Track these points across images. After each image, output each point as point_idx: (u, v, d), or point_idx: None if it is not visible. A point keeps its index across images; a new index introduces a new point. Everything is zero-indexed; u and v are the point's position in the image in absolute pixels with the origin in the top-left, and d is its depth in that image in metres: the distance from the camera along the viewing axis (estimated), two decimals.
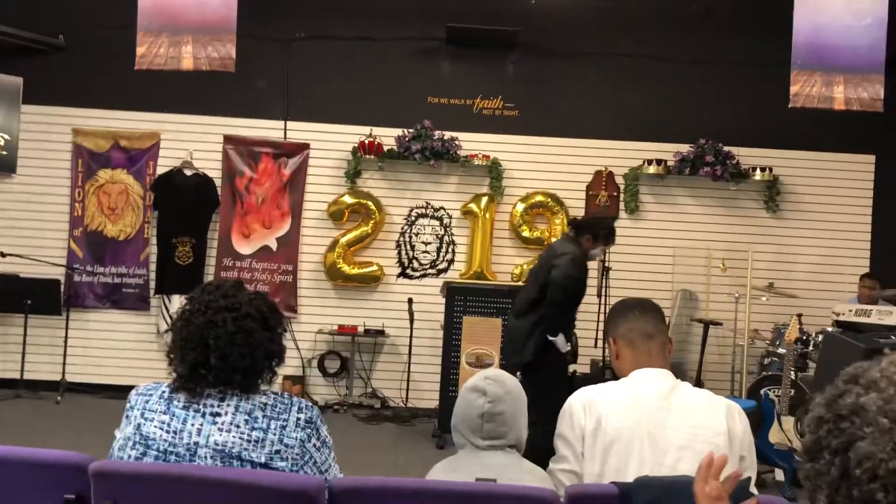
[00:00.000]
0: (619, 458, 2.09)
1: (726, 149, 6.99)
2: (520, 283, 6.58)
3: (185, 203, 6.97)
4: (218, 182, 7.06)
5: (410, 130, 6.96)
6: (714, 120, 7.09)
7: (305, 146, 7.12)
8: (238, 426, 1.88)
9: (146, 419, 1.91)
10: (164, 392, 1.95)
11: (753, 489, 2.06)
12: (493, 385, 2.13)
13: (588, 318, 6.08)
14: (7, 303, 6.70)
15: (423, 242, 7.16)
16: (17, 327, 6.76)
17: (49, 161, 7.06)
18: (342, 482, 1.87)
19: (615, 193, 7.14)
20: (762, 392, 5.31)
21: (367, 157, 6.99)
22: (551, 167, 7.13)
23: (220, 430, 1.88)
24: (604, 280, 6.12)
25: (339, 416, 6.59)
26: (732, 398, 3.83)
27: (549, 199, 7.05)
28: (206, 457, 1.86)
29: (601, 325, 5.87)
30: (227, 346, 1.89)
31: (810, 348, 5.70)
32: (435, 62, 7.26)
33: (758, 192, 7.15)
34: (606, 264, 6.15)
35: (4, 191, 7.05)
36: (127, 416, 1.96)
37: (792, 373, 4.95)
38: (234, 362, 1.89)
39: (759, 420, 4.94)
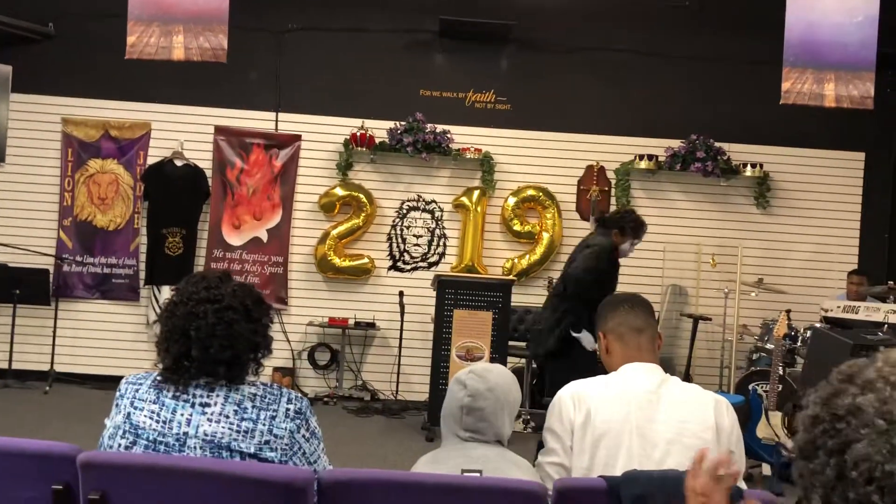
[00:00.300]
0: (607, 451, 2.10)
1: (717, 145, 7.01)
2: (510, 277, 6.60)
3: (175, 194, 6.94)
4: (209, 173, 7.03)
5: (402, 123, 6.95)
6: (706, 116, 7.11)
7: (297, 138, 7.10)
8: (227, 416, 1.88)
9: (136, 408, 1.91)
10: (154, 381, 1.94)
11: (742, 483, 2.08)
12: (474, 380, 2.13)
13: None
14: None
15: (414, 235, 7.16)
16: (6, 317, 6.72)
17: (38, 150, 7.02)
18: (331, 474, 1.87)
19: (606, 188, 7.16)
20: (750, 387, 5.34)
21: (359, 149, 6.98)
22: (543, 161, 7.14)
23: (210, 420, 1.88)
24: None
25: (329, 409, 6.59)
26: (721, 393, 3.85)
27: (541, 194, 7.06)
28: (195, 447, 1.86)
29: None
30: (207, 337, 1.89)
31: (798, 344, 5.74)
32: (428, 55, 7.24)
33: (748, 189, 7.17)
34: None
35: None
36: (117, 405, 1.95)
37: (780, 368, 4.98)
38: (216, 354, 1.89)
39: (747, 415, 4.97)
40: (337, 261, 6.98)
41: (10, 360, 6.63)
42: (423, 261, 7.16)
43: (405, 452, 5.30)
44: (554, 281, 6.91)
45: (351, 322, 6.90)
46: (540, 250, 7.04)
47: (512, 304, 6.03)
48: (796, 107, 5.95)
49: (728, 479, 1.52)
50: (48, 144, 7.02)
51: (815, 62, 5.69)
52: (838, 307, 5.21)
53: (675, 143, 7.06)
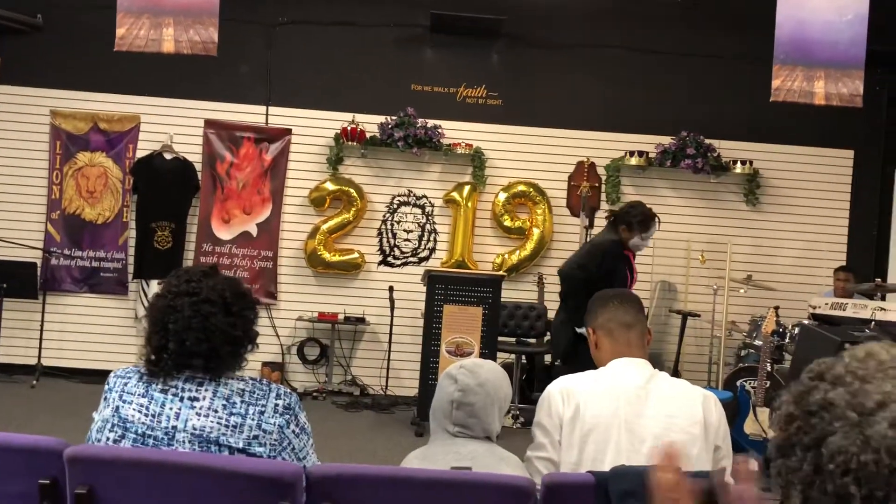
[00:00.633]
0: (596, 446, 2.11)
1: (707, 141, 7.03)
2: (501, 273, 6.60)
3: (164, 187, 6.91)
4: (198, 166, 7.00)
5: (393, 118, 6.94)
6: (696, 112, 7.13)
7: (287, 132, 7.07)
8: (216, 411, 1.88)
9: (125, 402, 1.90)
10: (142, 375, 1.94)
11: (729, 479, 2.09)
12: (465, 375, 2.14)
13: None
14: None
15: (404, 230, 7.15)
16: None
17: (26, 143, 6.97)
18: (320, 469, 1.87)
19: (597, 184, 7.17)
20: (738, 383, 5.37)
21: (350, 143, 6.96)
22: (534, 157, 7.14)
23: (199, 414, 1.87)
24: None
25: (319, 404, 6.58)
26: (709, 389, 3.86)
27: (531, 189, 7.06)
28: (184, 441, 1.86)
29: None
30: (184, 330, 1.89)
31: (786, 341, 5.77)
32: (419, 49, 7.23)
33: (738, 185, 7.20)
34: None
35: None
36: (105, 399, 1.95)
37: (768, 364, 5.00)
38: (192, 347, 1.89)
39: (735, 411, 5.00)
40: (327, 255, 6.96)
41: None
42: (413, 256, 7.16)
43: (394, 447, 5.30)
44: (544, 277, 6.94)
45: (341, 317, 6.89)
46: (530, 246, 7.05)
47: (502, 299, 6.04)
48: (786, 104, 5.97)
49: (697, 483, 1.53)
50: (36, 137, 6.97)
51: (805, 60, 5.71)
52: (826, 304, 5.23)
53: (666, 140, 7.08)
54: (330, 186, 6.98)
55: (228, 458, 1.84)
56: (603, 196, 7.15)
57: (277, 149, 7.05)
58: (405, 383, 6.86)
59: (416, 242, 7.16)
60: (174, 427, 1.86)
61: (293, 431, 1.93)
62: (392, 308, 6.66)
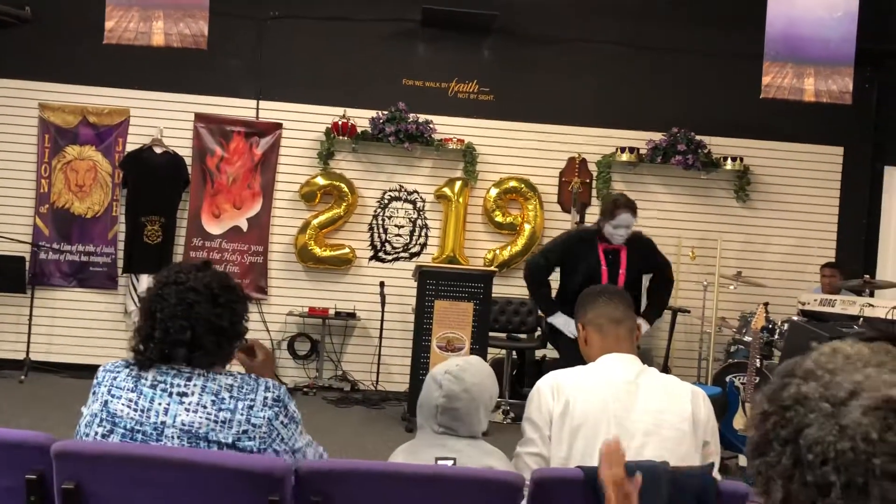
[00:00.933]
0: (585, 441, 2.12)
1: (698, 138, 7.05)
2: (492, 268, 6.60)
3: (154, 181, 6.87)
4: (188, 160, 6.97)
5: (385, 112, 6.92)
6: (687, 109, 7.14)
7: (278, 126, 7.05)
8: (205, 406, 1.87)
9: (113, 396, 1.90)
10: (131, 370, 1.93)
11: (717, 474, 2.10)
12: (450, 381, 2.14)
13: None
14: None
15: (395, 226, 7.14)
16: None
17: (15, 136, 6.91)
18: (309, 464, 1.87)
19: (588, 180, 7.17)
20: (727, 379, 5.39)
21: (341, 138, 6.95)
22: (525, 153, 7.14)
23: (188, 410, 1.87)
24: None
25: (309, 399, 6.57)
26: (698, 384, 3.88)
27: (523, 185, 7.06)
28: (172, 437, 1.85)
29: None
30: (169, 318, 1.90)
31: (776, 337, 5.79)
32: (410, 44, 7.21)
33: (728, 182, 7.22)
34: None
35: None
36: (94, 393, 1.94)
37: (757, 360, 5.02)
38: (175, 335, 1.89)
39: (724, 406, 5.02)
40: (318, 250, 6.95)
41: None
42: (404, 251, 7.15)
43: (385, 443, 5.30)
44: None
45: (331, 312, 6.88)
46: (521, 242, 7.05)
47: (493, 295, 6.04)
48: (776, 101, 5.99)
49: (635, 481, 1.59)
50: (25, 130, 6.92)
51: (796, 57, 5.73)
52: (815, 300, 5.26)
53: (657, 136, 7.09)
54: (321, 181, 6.96)
55: (217, 453, 1.84)
56: (594, 192, 7.16)
57: (268, 143, 7.03)
58: (396, 379, 6.86)
59: (408, 238, 7.15)
60: (163, 423, 1.86)
61: (282, 422, 1.92)
62: (383, 303, 6.66)
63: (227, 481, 1.77)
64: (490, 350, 6.07)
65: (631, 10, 7.17)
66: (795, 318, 5.43)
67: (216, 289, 1.95)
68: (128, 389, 1.89)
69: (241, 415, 1.88)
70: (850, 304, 4.84)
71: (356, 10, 7.03)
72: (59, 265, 6.92)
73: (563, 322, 4.59)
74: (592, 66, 7.17)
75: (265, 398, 1.91)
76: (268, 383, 1.95)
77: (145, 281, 6.69)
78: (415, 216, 7.14)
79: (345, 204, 6.95)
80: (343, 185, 6.95)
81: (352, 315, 6.92)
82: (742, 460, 5.00)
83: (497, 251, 7.08)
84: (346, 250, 7.02)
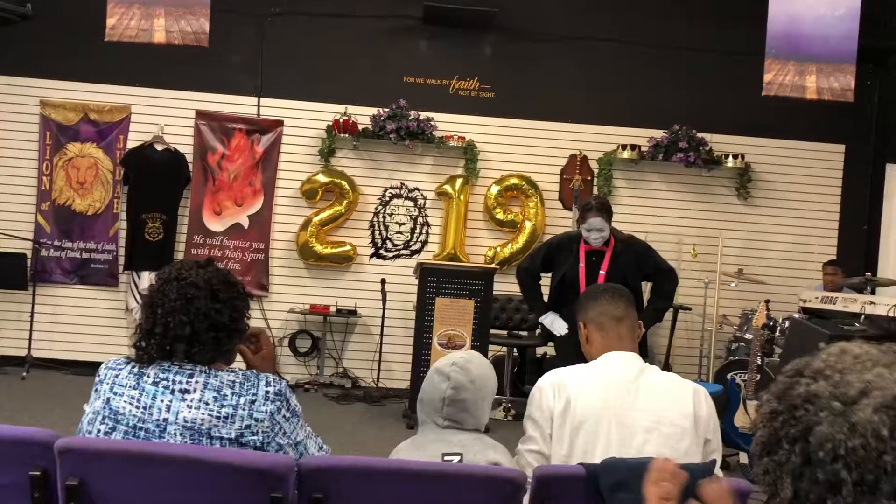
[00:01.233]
0: (586, 439, 2.12)
1: (700, 135, 7.04)
2: (493, 266, 6.61)
3: (155, 178, 6.87)
4: (189, 158, 6.97)
5: (386, 110, 6.92)
6: (688, 106, 7.14)
7: (279, 123, 7.05)
8: (207, 403, 1.87)
9: (116, 394, 1.90)
10: (133, 367, 1.94)
11: (718, 471, 2.10)
12: (457, 372, 2.15)
13: None
14: None
15: (396, 223, 7.14)
16: None
17: (16, 133, 6.92)
18: (311, 461, 1.87)
19: (589, 178, 7.17)
20: (729, 376, 5.40)
21: (342, 135, 6.94)
22: (526, 150, 7.14)
23: (190, 407, 1.87)
24: None
25: (310, 396, 6.58)
26: (700, 382, 3.88)
27: (524, 182, 7.06)
28: (175, 434, 1.86)
29: None
30: (169, 313, 1.91)
31: (777, 334, 5.80)
32: (411, 41, 7.21)
33: (729, 179, 7.22)
34: None
35: None
36: (96, 390, 1.94)
37: (758, 358, 5.03)
38: (175, 330, 1.90)
39: (726, 404, 5.02)
40: (319, 248, 6.95)
41: None
42: (405, 248, 7.15)
43: (386, 440, 5.30)
44: None
45: (332, 309, 6.89)
46: (522, 239, 7.05)
47: (494, 292, 6.04)
48: (778, 98, 5.99)
49: (680, 479, 1.58)
50: (26, 127, 6.92)
51: (797, 54, 5.73)
52: (816, 298, 5.26)
53: (658, 134, 7.09)
54: (322, 178, 6.96)
55: (219, 450, 1.84)
56: (595, 189, 7.15)
57: (269, 140, 7.03)
58: (397, 376, 6.86)
59: (409, 235, 7.15)
60: (165, 420, 1.86)
61: (284, 416, 1.93)
62: (384, 300, 6.66)
63: (230, 478, 1.77)
64: (491, 347, 6.07)
65: (632, 7, 7.16)
66: (797, 315, 5.43)
67: (216, 285, 1.96)
68: (130, 387, 1.90)
69: (244, 410, 1.88)
70: (852, 302, 4.84)
71: (357, 7, 7.03)
72: (61, 262, 6.92)
73: (549, 321, 4.71)
74: (594, 63, 7.17)
75: (266, 392, 1.91)
76: (268, 378, 1.96)
77: (146, 278, 6.69)
78: (416, 213, 7.14)
79: (346, 201, 6.96)
80: (344, 183, 6.96)
81: (353, 312, 6.92)
82: (743, 458, 5.01)
83: (498, 248, 7.08)
84: (348, 247, 7.02)
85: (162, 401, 1.87)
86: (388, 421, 6.00)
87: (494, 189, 7.06)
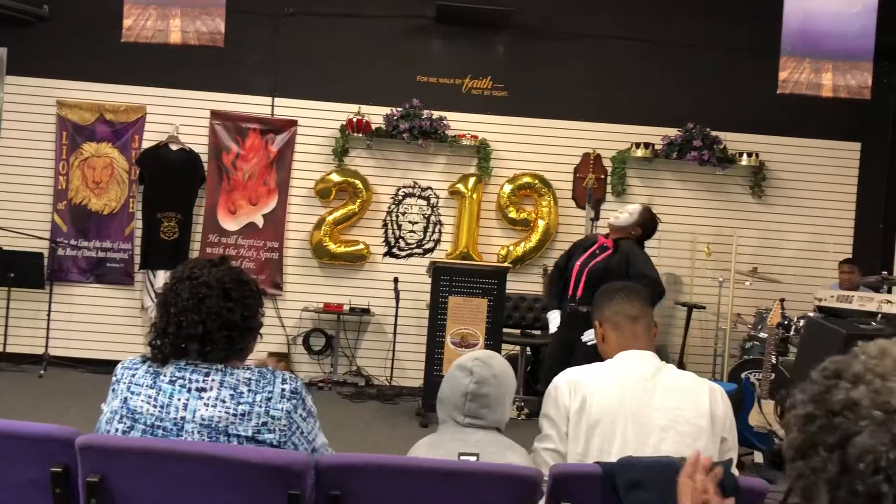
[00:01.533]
0: (602, 438, 2.12)
1: (714, 133, 7.01)
2: (506, 265, 6.60)
3: (170, 178, 6.92)
4: (204, 157, 7.01)
5: (399, 109, 6.93)
6: (702, 104, 7.11)
7: (293, 123, 7.07)
8: (224, 401, 1.89)
9: (133, 393, 1.91)
10: (150, 366, 1.95)
11: (734, 470, 2.10)
12: (480, 367, 2.15)
13: None
14: None
15: (409, 222, 7.15)
16: (0, 300, 6.71)
17: (33, 133, 6.98)
18: (328, 458, 1.88)
19: (602, 176, 7.16)
20: (743, 375, 5.37)
21: (355, 135, 6.96)
22: (539, 149, 7.13)
23: (207, 405, 1.88)
24: None
25: (324, 394, 6.60)
26: (714, 381, 3.86)
27: (537, 181, 7.06)
28: (192, 432, 1.87)
29: None
30: (182, 313, 1.92)
31: (792, 333, 5.76)
32: (424, 41, 7.21)
33: (744, 178, 7.19)
34: None
35: None
36: (113, 390, 1.96)
37: (773, 357, 5.01)
38: (187, 329, 1.91)
39: (740, 403, 5.01)
40: (332, 247, 6.97)
41: (5, 344, 6.63)
42: (418, 247, 7.16)
43: (399, 438, 5.32)
44: (549, 268, 6.94)
45: (346, 308, 6.91)
46: (535, 238, 7.05)
47: (507, 291, 6.04)
48: (793, 96, 5.95)
49: (715, 474, 1.54)
50: (43, 127, 6.99)
51: (813, 52, 5.69)
52: (832, 297, 5.23)
53: (672, 132, 7.06)
54: (335, 178, 6.98)
55: (237, 447, 1.85)
56: (608, 188, 7.14)
57: (283, 140, 7.06)
58: (410, 374, 6.88)
59: (422, 234, 7.16)
60: (182, 418, 1.87)
61: (301, 415, 1.94)
62: (397, 299, 6.67)
63: (248, 475, 1.78)
64: (504, 346, 6.08)
65: (646, 5, 7.14)
66: (812, 314, 5.40)
67: (228, 283, 1.97)
68: (147, 386, 1.91)
69: (260, 407, 1.89)
70: (868, 301, 4.81)
71: (371, 7, 7.04)
72: (77, 261, 6.98)
73: (550, 316, 4.76)
74: (607, 61, 7.15)
75: (283, 390, 1.92)
76: (284, 375, 1.96)
77: (161, 277, 6.74)
78: (429, 212, 7.15)
79: (359, 200, 6.97)
80: (357, 182, 6.97)
81: (366, 311, 6.94)
82: (758, 457, 4.99)
83: (511, 247, 7.08)
84: (361, 246, 7.04)
85: (179, 399, 1.89)
86: (402, 419, 6.01)
87: (507, 188, 7.06)
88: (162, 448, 1.81)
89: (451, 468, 1.90)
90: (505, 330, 6.13)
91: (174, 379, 1.91)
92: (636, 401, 2.16)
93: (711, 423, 2.16)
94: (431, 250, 7.15)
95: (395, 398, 6.59)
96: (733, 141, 7.10)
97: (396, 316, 6.69)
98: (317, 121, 7.06)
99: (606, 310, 2.40)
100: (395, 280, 6.75)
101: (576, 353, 4.31)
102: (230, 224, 7.03)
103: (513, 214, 7.06)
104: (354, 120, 6.90)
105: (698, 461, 1.52)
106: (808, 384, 0.96)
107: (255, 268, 6.93)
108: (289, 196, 7.07)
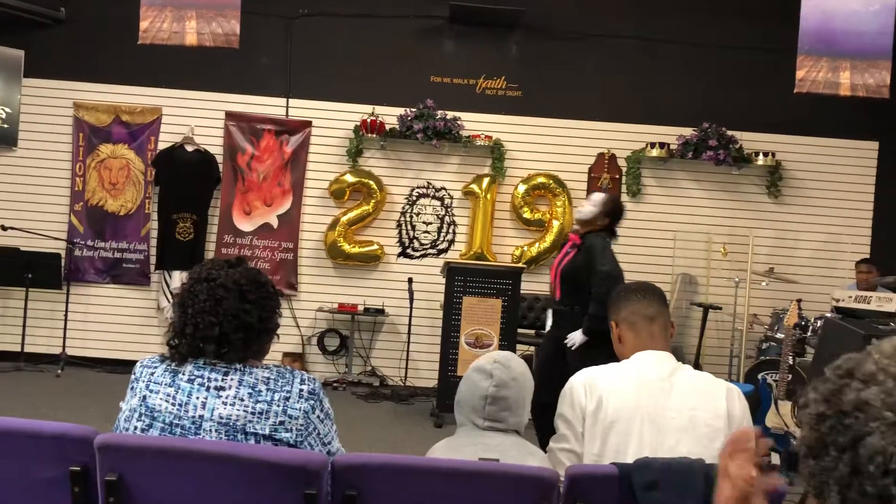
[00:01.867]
0: (619, 438, 2.11)
1: (730, 133, 6.97)
2: (520, 265, 6.59)
3: (186, 179, 6.96)
4: (219, 158, 7.04)
5: (413, 110, 6.94)
6: (718, 104, 7.07)
7: (307, 124, 7.09)
8: (242, 399, 1.90)
9: (151, 391, 1.93)
10: (168, 365, 1.97)
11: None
12: (500, 370, 2.13)
13: None
14: (8, 276, 6.70)
15: (423, 222, 7.16)
16: (18, 300, 6.77)
17: (50, 135, 7.04)
18: (345, 458, 1.89)
19: (617, 176, 7.13)
20: (760, 376, 5.34)
21: (369, 135, 6.98)
22: (553, 149, 7.12)
23: (225, 403, 1.89)
24: None
25: (338, 394, 6.62)
26: (730, 382, 3.84)
27: (551, 181, 7.04)
28: (210, 430, 1.88)
29: None
30: (199, 314, 1.93)
31: (809, 334, 5.72)
32: (438, 41, 7.22)
33: (760, 177, 7.14)
34: None
35: (6, 164, 7.03)
36: (132, 388, 1.97)
37: (790, 358, 4.97)
38: (204, 330, 1.92)
39: (757, 404, 4.97)
40: (347, 247, 6.99)
41: (23, 344, 6.69)
42: (432, 248, 7.17)
43: (414, 438, 5.33)
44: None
45: (360, 308, 6.92)
46: (550, 238, 7.04)
47: (521, 291, 6.03)
48: (809, 95, 5.90)
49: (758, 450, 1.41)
50: (60, 129, 7.05)
51: (831, 50, 5.64)
52: (850, 297, 5.18)
53: (687, 131, 7.03)
54: (350, 178, 7.00)
55: (255, 446, 1.86)
56: (623, 188, 7.11)
57: (298, 141, 7.08)
58: (424, 374, 6.88)
59: (436, 234, 7.16)
60: (201, 416, 1.88)
61: (318, 417, 1.94)
62: (411, 299, 6.68)
63: (265, 474, 1.79)
64: (518, 347, 6.06)
65: (661, 4, 7.11)
66: (829, 314, 5.35)
67: (245, 285, 1.97)
68: (165, 384, 1.92)
69: (278, 406, 1.90)
70: (887, 301, 4.76)
71: (384, 7, 7.05)
72: (94, 262, 7.04)
73: (548, 316, 4.79)
74: (621, 60, 7.12)
75: (301, 390, 1.93)
76: (303, 376, 1.97)
77: (177, 277, 6.78)
78: (443, 213, 7.15)
79: (373, 201, 6.99)
80: (372, 183, 6.99)
81: (380, 311, 6.95)
82: (775, 458, 4.95)
83: (525, 248, 7.07)
84: (375, 247, 7.05)
85: (197, 398, 1.90)
86: (416, 419, 6.01)
87: (521, 188, 7.05)
88: (180, 447, 1.82)
89: (468, 469, 1.90)
90: (519, 330, 6.12)
91: (193, 377, 1.92)
92: (652, 402, 2.14)
93: (728, 424, 2.14)
94: (445, 251, 7.15)
95: (409, 398, 6.59)
96: (749, 140, 7.06)
97: (411, 316, 6.70)
98: (331, 121, 7.08)
99: (622, 310, 2.38)
100: (410, 280, 6.76)
101: (566, 352, 4.32)
102: (245, 225, 7.06)
103: (527, 215, 7.05)
104: (368, 120, 6.92)
105: (744, 438, 1.40)
106: (821, 382, 0.95)
107: (269, 268, 6.96)
108: (303, 197, 7.09)
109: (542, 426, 3.99)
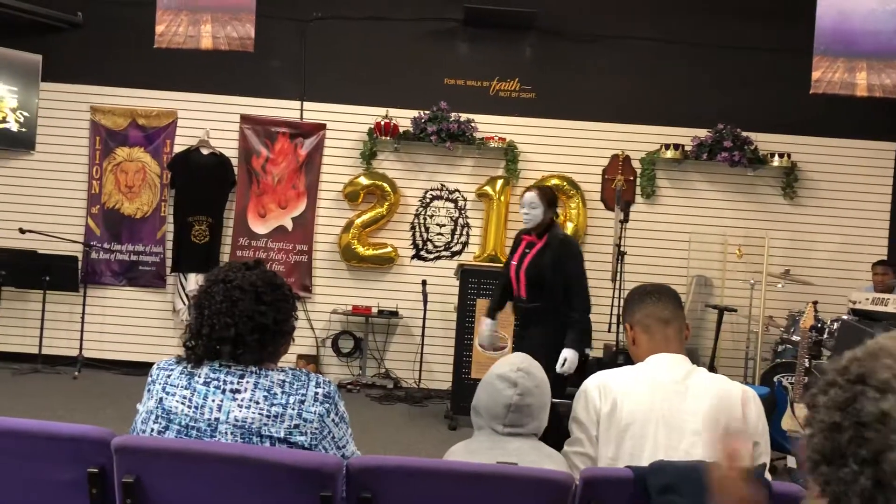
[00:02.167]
0: (633, 442, 2.10)
1: (745, 134, 6.94)
2: None
3: (201, 182, 7.00)
4: (234, 161, 7.09)
5: (426, 112, 6.95)
6: (733, 105, 7.03)
7: (321, 127, 7.12)
8: (257, 402, 1.91)
9: (168, 393, 1.94)
10: (185, 367, 1.98)
11: (767, 475, 2.07)
12: (524, 378, 2.12)
13: (602, 302, 6.08)
14: (25, 279, 6.77)
15: (437, 224, 7.16)
16: (36, 303, 6.83)
17: (67, 138, 7.11)
18: (360, 461, 1.89)
19: (631, 178, 7.11)
20: (775, 379, 5.31)
21: (383, 138, 6.99)
22: (567, 150, 7.11)
23: (241, 406, 1.90)
24: (619, 265, 6.11)
25: (353, 396, 6.63)
26: (746, 384, 3.82)
27: (565, 183, 7.03)
28: (226, 432, 1.89)
29: (615, 310, 5.87)
30: (215, 315, 1.94)
31: (825, 336, 5.68)
32: (452, 43, 7.23)
33: (775, 179, 7.10)
34: (622, 249, 6.14)
35: (23, 167, 7.10)
36: (149, 390, 1.99)
37: (806, 360, 4.93)
38: (220, 332, 1.93)
39: (772, 407, 4.94)
40: (361, 249, 7.01)
41: (40, 346, 6.75)
42: (446, 250, 7.17)
43: (428, 440, 5.34)
44: None
45: (374, 310, 6.94)
46: None
47: None
48: (824, 96, 5.87)
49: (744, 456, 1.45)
50: (77, 133, 7.11)
51: (847, 51, 5.60)
52: (867, 299, 5.14)
53: (702, 133, 7.00)
54: (364, 181, 7.02)
55: (270, 449, 1.87)
56: (638, 190, 7.09)
57: (312, 144, 7.11)
58: (438, 377, 6.89)
59: (449, 236, 7.17)
60: (216, 419, 1.89)
61: (333, 420, 1.95)
62: (425, 302, 6.68)
63: (280, 477, 1.80)
64: None
65: (674, 6, 7.09)
66: (846, 317, 5.31)
67: (261, 287, 1.99)
68: (182, 387, 1.94)
69: (293, 409, 1.91)
70: None
71: (397, 11, 7.07)
72: (110, 264, 7.09)
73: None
74: (635, 62, 7.10)
75: (316, 394, 1.94)
76: (318, 379, 1.98)
77: (193, 280, 6.82)
78: (456, 215, 7.16)
79: (387, 203, 7.00)
80: (385, 185, 7.00)
81: (394, 313, 6.96)
82: (791, 461, 4.92)
83: None
84: (389, 249, 7.06)
85: (213, 400, 1.91)
86: (430, 422, 6.02)
87: None
88: (196, 449, 1.83)
89: (482, 471, 1.90)
90: None
91: (209, 380, 1.93)
92: (667, 404, 2.13)
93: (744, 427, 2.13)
94: (459, 253, 7.15)
95: (423, 401, 6.60)
96: (765, 141, 7.02)
97: (424, 318, 6.70)
98: (345, 124, 7.10)
99: (637, 312, 2.37)
100: (423, 282, 6.76)
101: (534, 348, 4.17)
102: (260, 227, 7.09)
103: None
104: (382, 123, 6.93)
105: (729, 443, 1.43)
106: (828, 385, 0.93)
107: (284, 271, 6.99)
108: (317, 199, 7.12)
109: None
